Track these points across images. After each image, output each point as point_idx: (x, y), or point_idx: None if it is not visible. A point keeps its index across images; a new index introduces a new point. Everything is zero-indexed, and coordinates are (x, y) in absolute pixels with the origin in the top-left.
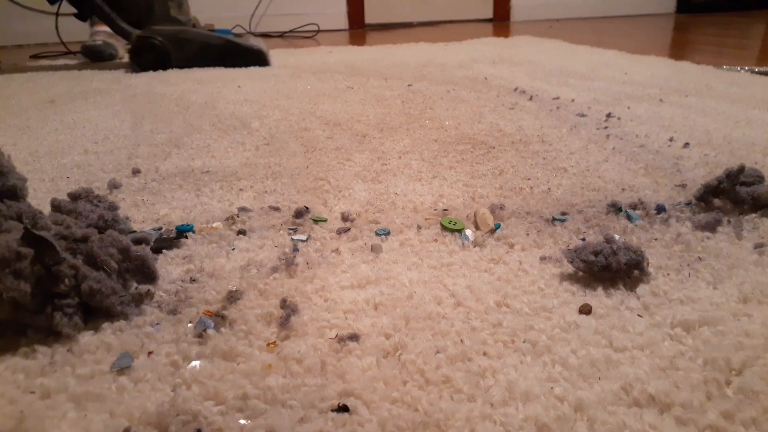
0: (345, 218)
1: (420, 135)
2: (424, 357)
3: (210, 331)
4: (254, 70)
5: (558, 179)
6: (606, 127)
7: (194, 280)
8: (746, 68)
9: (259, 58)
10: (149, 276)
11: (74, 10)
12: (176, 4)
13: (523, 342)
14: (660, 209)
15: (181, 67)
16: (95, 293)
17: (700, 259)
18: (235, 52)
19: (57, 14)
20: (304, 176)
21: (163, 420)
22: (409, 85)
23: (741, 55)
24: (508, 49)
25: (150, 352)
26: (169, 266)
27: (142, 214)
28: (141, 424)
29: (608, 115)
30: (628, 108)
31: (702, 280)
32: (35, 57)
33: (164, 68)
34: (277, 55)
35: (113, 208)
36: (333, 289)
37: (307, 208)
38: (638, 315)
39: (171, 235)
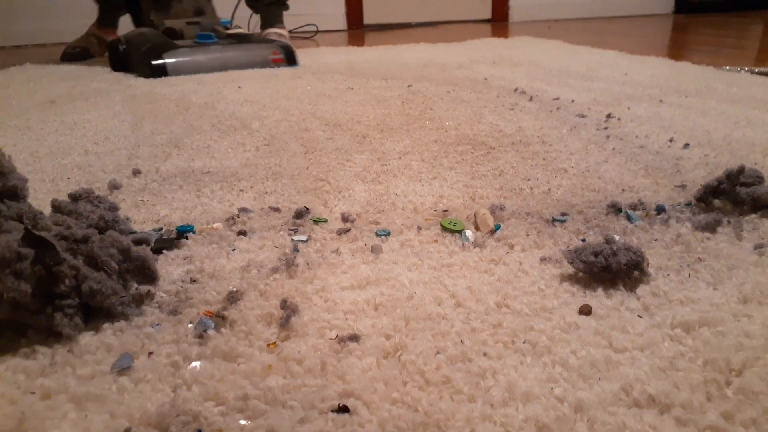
0: (345, 219)
1: (420, 136)
2: (425, 357)
3: (210, 332)
4: (254, 71)
5: (558, 180)
6: (606, 128)
7: (195, 281)
8: (746, 69)
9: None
10: (150, 276)
11: None
12: (161, 6)
13: (523, 343)
14: (660, 210)
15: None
16: (96, 294)
17: (700, 259)
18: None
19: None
20: (305, 177)
21: (164, 420)
22: (409, 86)
23: (739, 56)
24: (507, 50)
25: (150, 353)
26: (169, 267)
27: (143, 214)
28: (141, 424)
29: (608, 116)
30: (628, 108)
31: (702, 280)
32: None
33: (126, 70)
34: None
35: (114, 208)
36: (333, 290)
37: (307, 208)
38: (638, 316)
39: (171, 236)
